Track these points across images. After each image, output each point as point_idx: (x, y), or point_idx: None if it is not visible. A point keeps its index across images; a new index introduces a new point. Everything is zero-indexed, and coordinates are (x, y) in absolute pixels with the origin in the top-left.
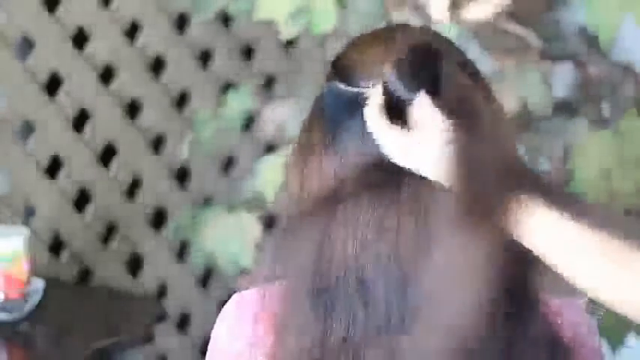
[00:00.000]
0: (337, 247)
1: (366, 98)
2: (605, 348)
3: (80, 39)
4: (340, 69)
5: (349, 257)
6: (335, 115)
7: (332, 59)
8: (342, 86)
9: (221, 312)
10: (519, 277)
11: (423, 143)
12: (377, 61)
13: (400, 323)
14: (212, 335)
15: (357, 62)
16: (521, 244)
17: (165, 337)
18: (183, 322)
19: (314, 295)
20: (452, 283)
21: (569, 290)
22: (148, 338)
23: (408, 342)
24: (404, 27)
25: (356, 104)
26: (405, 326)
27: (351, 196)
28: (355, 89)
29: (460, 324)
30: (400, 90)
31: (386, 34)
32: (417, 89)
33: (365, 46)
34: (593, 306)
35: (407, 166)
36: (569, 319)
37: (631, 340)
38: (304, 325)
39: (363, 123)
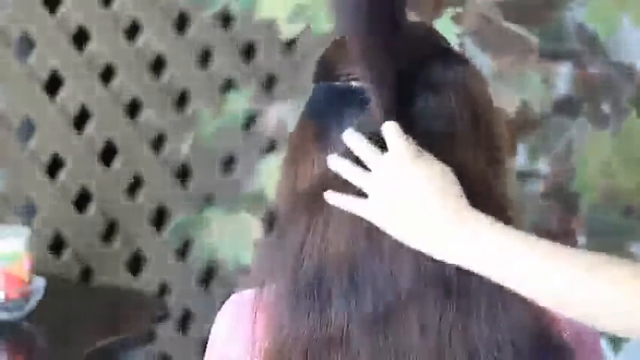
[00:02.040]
0: (319, 241)
1: (351, 93)
2: (606, 347)
3: (81, 38)
4: (326, 66)
5: (330, 250)
6: (322, 110)
7: (319, 56)
8: (328, 82)
9: (220, 311)
10: None
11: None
12: (361, 57)
13: (390, 312)
14: (210, 335)
15: (342, 58)
16: None
17: (167, 335)
18: (184, 321)
19: (306, 289)
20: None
21: None
22: (150, 337)
23: (398, 330)
24: None
25: (342, 99)
26: (395, 315)
27: (336, 188)
28: (340, 84)
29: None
30: None
31: None
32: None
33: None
34: None
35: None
36: (568, 321)
37: (632, 339)
38: (299, 321)
39: (349, 117)
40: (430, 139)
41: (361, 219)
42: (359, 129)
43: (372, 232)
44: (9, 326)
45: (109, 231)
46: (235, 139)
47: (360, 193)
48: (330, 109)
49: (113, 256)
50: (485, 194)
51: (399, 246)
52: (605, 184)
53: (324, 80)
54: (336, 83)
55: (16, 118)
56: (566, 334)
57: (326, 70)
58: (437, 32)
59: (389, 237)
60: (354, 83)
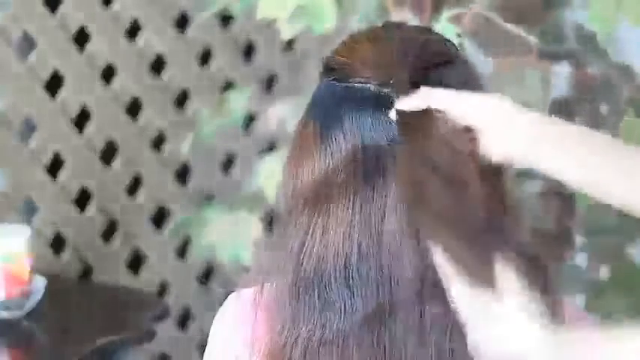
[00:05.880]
0: (320, 241)
1: (357, 94)
2: None
3: (81, 38)
4: (333, 66)
5: (331, 250)
6: (327, 111)
7: (326, 57)
8: (334, 83)
9: (219, 311)
10: None
11: None
12: (369, 58)
13: (387, 310)
14: (210, 334)
15: (350, 59)
16: None
17: (166, 334)
18: (184, 320)
19: (306, 288)
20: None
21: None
22: (149, 336)
23: (397, 327)
24: (398, 25)
25: (347, 100)
26: (392, 313)
27: (338, 189)
28: (346, 85)
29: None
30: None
31: (379, 33)
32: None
33: (358, 44)
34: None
35: None
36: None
37: None
38: (299, 320)
39: (353, 118)
40: None
41: (360, 219)
42: (364, 131)
43: (371, 233)
44: (9, 325)
45: (109, 230)
46: (235, 139)
47: (365, 196)
48: (334, 110)
49: (113, 255)
50: (492, 190)
51: (398, 246)
52: None
53: (331, 78)
54: (345, 84)
55: (17, 117)
56: None
57: (335, 68)
58: (439, 35)
59: (388, 237)
60: (364, 85)
